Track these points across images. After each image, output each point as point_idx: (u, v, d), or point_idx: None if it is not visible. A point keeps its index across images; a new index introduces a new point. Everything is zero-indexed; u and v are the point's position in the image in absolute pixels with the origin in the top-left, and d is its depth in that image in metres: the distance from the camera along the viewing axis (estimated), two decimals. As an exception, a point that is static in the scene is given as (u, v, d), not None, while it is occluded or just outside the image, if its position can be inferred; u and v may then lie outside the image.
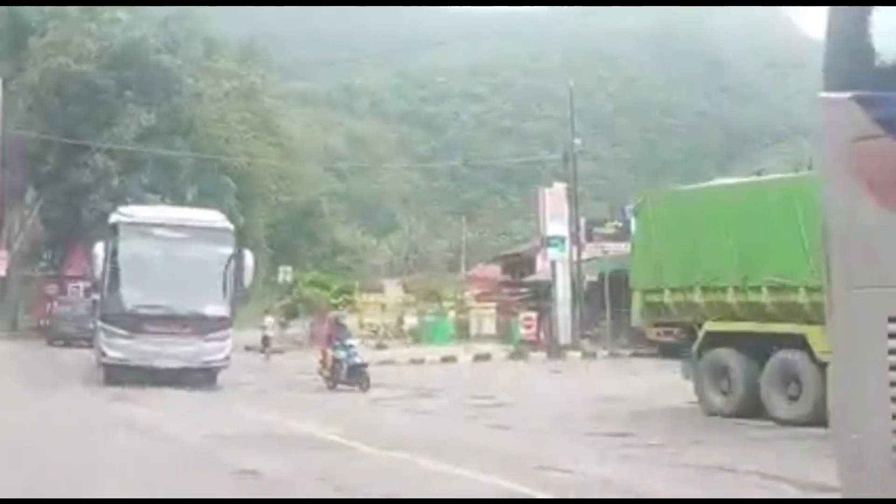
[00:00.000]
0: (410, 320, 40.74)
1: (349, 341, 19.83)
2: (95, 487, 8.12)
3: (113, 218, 21.04)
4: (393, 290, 51.34)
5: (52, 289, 38.44)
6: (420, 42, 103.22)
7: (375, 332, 37.82)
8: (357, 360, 19.29)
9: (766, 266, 13.41)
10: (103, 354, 19.48)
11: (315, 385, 19.70)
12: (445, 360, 27.34)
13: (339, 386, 19.02)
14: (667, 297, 14.71)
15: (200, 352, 19.50)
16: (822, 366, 12.86)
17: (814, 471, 9.47)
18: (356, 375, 18.99)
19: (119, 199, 32.03)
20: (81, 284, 35.89)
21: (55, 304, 35.55)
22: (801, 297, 12.90)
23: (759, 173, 29.59)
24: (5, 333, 37.17)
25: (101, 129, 37.82)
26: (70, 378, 20.62)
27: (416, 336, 38.01)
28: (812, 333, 12.81)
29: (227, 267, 20.18)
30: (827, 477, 9.49)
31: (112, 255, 19.88)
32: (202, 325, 19.70)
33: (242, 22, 71.48)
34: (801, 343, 12.93)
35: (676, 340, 15.23)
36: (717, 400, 14.07)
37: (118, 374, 19.03)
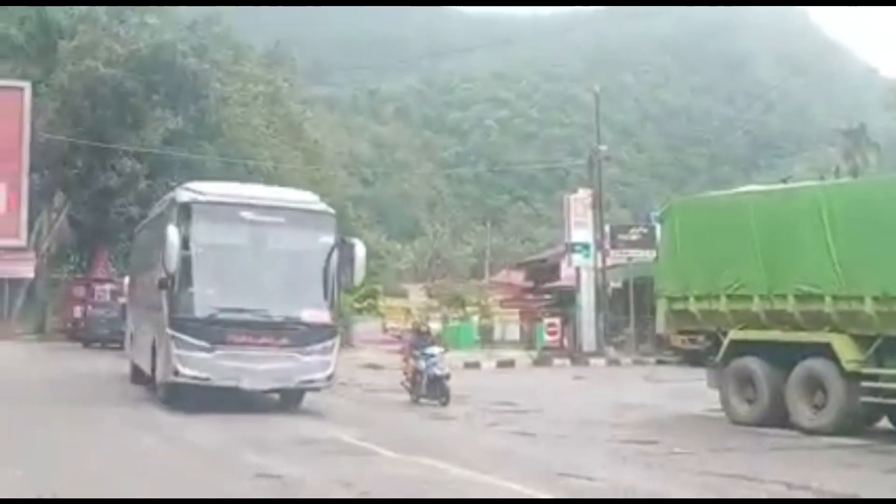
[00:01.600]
0: (434, 325, 40.75)
1: (430, 349, 17.52)
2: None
3: (184, 196, 15.73)
4: (417, 295, 51.44)
5: (79, 291, 38.64)
6: (445, 48, 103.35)
7: (399, 336, 37.85)
8: (437, 370, 17.06)
9: (793, 274, 13.36)
10: (175, 372, 14.70)
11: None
12: (468, 365, 27.31)
13: (421, 400, 17.05)
14: (692, 305, 14.66)
15: (298, 369, 15.13)
16: (848, 375, 12.86)
17: (838, 481, 9.47)
18: (436, 388, 16.99)
19: (146, 202, 32.19)
20: (108, 287, 36.08)
21: (89, 306, 35.68)
22: (828, 306, 12.86)
23: (785, 180, 29.62)
24: (34, 336, 37.48)
25: (129, 132, 38.04)
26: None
27: (440, 341, 38.00)
28: (838, 342, 12.77)
29: (328, 260, 15.65)
30: (851, 487, 9.53)
31: (184, 244, 14.80)
32: (301, 336, 15.19)
33: (268, 27, 71.82)
34: (827, 352, 12.87)
35: (701, 348, 15.15)
36: (742, 408, 14.03)
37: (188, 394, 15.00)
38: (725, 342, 14.22)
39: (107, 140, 37.40)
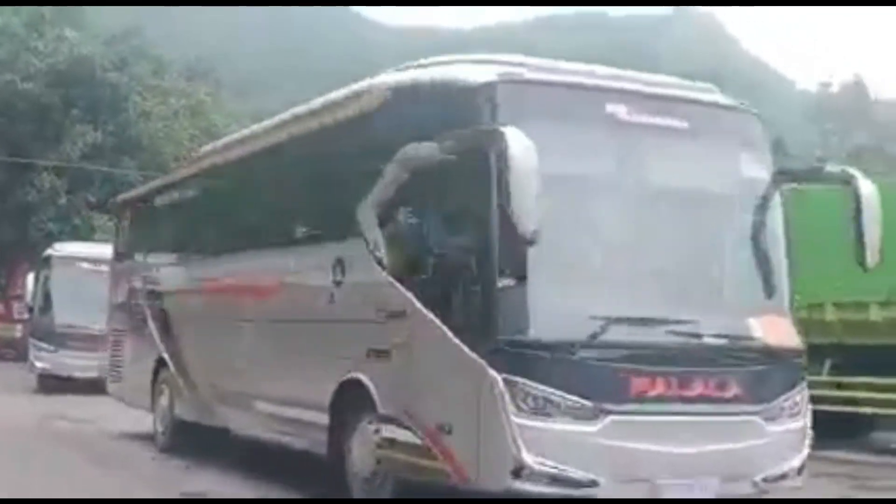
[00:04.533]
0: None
1: None
2: None
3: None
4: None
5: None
6: (373, 61, 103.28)
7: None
8: None
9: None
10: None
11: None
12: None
13: None
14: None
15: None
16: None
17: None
18: None
19: (66, 218, 31.78)
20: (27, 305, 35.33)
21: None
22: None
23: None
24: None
25: (48, 147, 37.45)
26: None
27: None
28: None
29: None
30: None
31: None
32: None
33: (189, 42, 71.28)
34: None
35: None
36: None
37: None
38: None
39: (25, 155, 36.76)
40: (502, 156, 6.53)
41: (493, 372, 6.81)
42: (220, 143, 14.07)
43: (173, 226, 14.19)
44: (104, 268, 20.95)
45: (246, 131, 13.16)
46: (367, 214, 7.99)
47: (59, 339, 22.94)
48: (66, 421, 16.92)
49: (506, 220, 6.54)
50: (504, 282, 6.82)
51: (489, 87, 7.24)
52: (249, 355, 10.74)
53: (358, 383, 8.27)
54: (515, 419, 6.77)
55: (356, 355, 8.31)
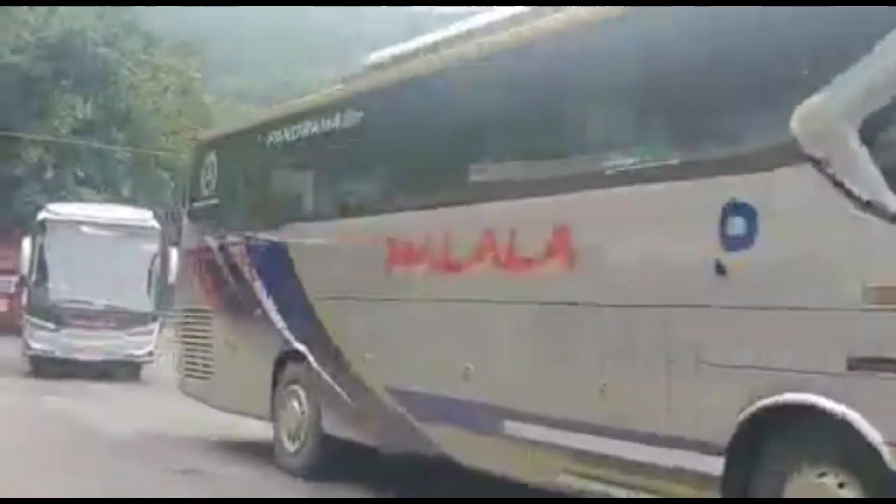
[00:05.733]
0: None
1: None
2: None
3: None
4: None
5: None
6: (360, 41, 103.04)
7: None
8: None
9: None
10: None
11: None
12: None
13: None
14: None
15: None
16: None
17: None
18: None
19: (53, 192, 31.61)
20: (13, 278, 35.29)
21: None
22: None
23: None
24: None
25: (36, 120, 37.23)
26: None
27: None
28: None
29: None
30: None
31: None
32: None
33: (179, 20, 70.92)
34: None
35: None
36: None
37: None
38: None
39: (13, 128, 36.54)
40: None
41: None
42: (428, 39, 9.53)
43: (328, 167, 10.19)
44: (109, 232, 20.66)
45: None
46: (834, 125, 5.17)
47: (60, 316, 20.21)
48: (82, 417, 13.99)
49: None
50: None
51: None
52: (505, 352, 7.50)
53: (804, 410, 5.31)
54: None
55: (813, 365, 5.27)
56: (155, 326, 20.81)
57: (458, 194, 8.04)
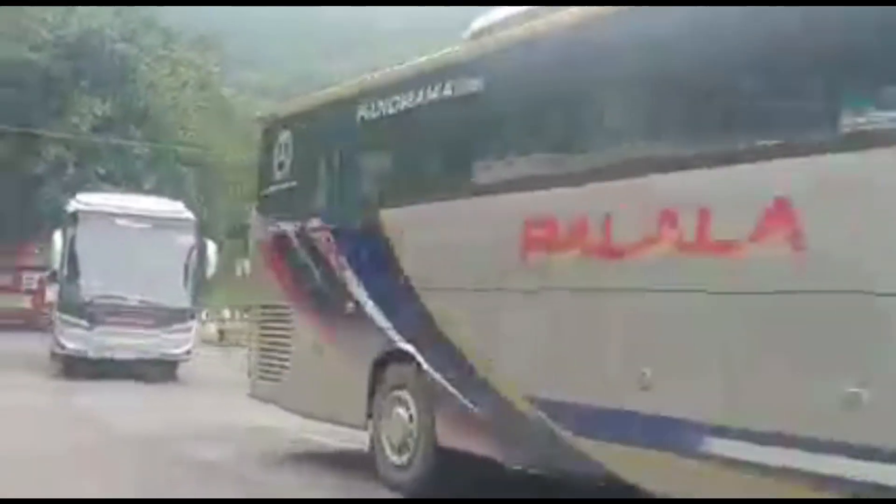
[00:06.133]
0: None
1: None
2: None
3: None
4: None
5: (4, 279, 37.99)
6: (379, 35, 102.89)
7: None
8: None
9: None
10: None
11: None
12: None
13: None
14: None
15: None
16: None
17: None
18: None
19: (73, 189, 31.63)
20: (36, 275, 35.54)
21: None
22: None
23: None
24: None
25: (56, 118, 37.37)
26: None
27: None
28: None
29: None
30: None
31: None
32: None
33: (196, 15, 71.03)
34: None
35: None
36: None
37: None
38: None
39: (33, 126, 36.70)
40: None
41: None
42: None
43: (443, 141, 8.78)
44: (143, 224, 19.68)
45: None
46: None
47: (94, 313, 19.13)
48: (118, 422, 13.02)
49: None
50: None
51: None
52: (706, 356, 6.10)
53: None
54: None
55: None
56: (193, 323, 20.07)
57: (626, 166, 6.66)
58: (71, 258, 19.57)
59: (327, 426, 10.61)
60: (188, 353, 19.74)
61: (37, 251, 39.30)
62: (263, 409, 11.14)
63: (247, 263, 38.84)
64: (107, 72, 38.87)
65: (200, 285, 20.73)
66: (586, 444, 6.76)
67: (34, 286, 35.32)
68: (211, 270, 20.45)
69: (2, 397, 14.56)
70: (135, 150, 38.76)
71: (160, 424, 12.70)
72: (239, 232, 41.42)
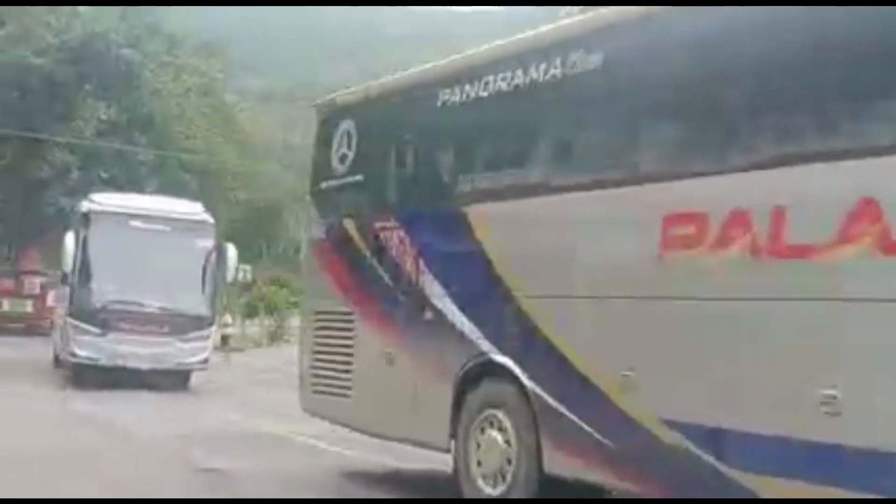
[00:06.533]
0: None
1: None
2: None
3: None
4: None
5: (7, 284, 37.98)
6: (384, 40, 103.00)
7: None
8: None
9: None
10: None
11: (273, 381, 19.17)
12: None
13: None
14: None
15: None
16: None
17: None
18: None
19: (77, 193, 31.64)
20: (38, 280, 35.54)
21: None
22: None
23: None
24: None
25: (60, 123, 37.40)
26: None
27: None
28: None
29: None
30: None
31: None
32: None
33: (200, 21, 71.13)
34: None
35: None
36: None
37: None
38: None
39: (37, 131, 36.74)
40: None
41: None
42: None
43: (550, 128, 7.62)
44: (160, 226, 18.42)
45: None
46: None
47: (107, 319, 17.95)
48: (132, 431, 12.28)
49: None
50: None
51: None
52: None
53: None
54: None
55: None
56: (211, 331, 19.06)
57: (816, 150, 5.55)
58: (83, 261, 18.35)
59: (341, 433, 10.04)
60: (205, 361, 18.65)
61: (39, 255, 39.63)
62: (272, 416, 10.90)
63: (248, 269, 38.83)
64: (111, 76, 38.92)
65: (219, 291, 19.83)
66: (752, 481, 5.70)
67: (36, 291, 35.32)
68: (231, 275, 19.46)
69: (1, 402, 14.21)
70: (139, 156, 38.81)
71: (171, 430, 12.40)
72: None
